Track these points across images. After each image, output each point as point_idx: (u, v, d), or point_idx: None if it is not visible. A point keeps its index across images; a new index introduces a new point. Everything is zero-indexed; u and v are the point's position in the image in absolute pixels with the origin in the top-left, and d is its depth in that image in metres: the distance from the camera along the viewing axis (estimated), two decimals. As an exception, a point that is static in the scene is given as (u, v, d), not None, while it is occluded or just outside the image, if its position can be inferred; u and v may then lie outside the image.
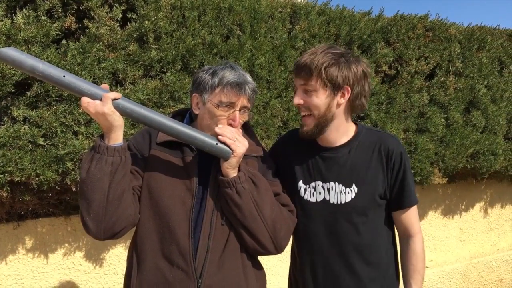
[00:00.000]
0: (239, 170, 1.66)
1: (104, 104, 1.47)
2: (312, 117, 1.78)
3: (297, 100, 1.77)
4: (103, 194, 1.52)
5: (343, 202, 1.82)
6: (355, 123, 1.92)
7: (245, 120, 1.75)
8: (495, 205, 5.16)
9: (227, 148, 1.61)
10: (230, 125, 1.68)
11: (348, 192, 1.82)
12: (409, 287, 1.87)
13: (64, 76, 1.45)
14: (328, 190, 1.84)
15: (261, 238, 1.69)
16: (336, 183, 1.83)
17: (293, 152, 1.94)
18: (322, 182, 1.85)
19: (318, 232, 1.86)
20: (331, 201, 1.83)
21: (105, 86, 1.55)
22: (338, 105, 1.78)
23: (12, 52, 1.41)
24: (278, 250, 1.75)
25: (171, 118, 1.64)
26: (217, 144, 1.61)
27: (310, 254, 1.90)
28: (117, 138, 1.54)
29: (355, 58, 1.79)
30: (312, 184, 1.87)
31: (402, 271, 1.92)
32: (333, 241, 1.84)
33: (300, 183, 1.89)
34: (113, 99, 1.50)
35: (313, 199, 1.86)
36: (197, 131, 1.64)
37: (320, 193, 1.85)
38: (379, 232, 1.87)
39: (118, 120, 1.51)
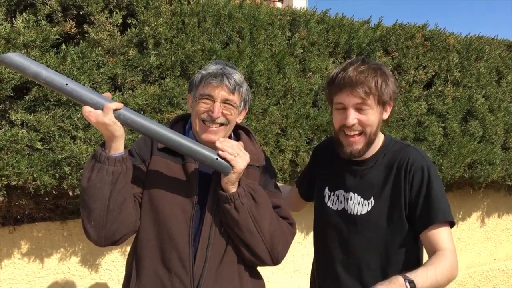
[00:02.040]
0: (239, 185, 1.64)
1: (105, 115, 1.47)
2: (363, 135, 1.72)
3: (353, 120, 1.68)
4: (104, 203, 1.52)
5: (359, 213, 1.79)
6: (384, 134, 1.89)
7: (230, 114, 1.71)
8: (492, 214, 5.16)
9: (227, 164, 1.59)
10: (210, 116, 1.66)
11: (365, 205, 1.79)
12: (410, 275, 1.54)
13: (66, 84, 1.45)
14: (347, 200, 1.83)
15: (258, 251, 1.68)
16: (356, 194, 1.81)
17: (327, 159, 1.94)
18: (344, 192, 1.85)
19: (334, 240, 1.85)
20: (349, 211, 1.82)
21: (108, 95, 1.54)
22: (381, 121, 1.76)
23: (16, 58, 1.41)
24: (275, 262, 1.74)
25: (172, 130, 1.63)
26: (217, 159, 1.59)
27: (326, 261, 1.90)
28: (118, 148, 1.53)
29: (387, 68, 1.74)
30: (336, 192, 1.87)
31: None
32: (346, 252, 1.82)
33: (326, 190, 1.90)
34: (115, 109, 1.49)
35: (334, 207, 1.86)
36: (198, 144, 1.62)
37: (341, 202, 1.85)
38: (393, 254, 1.76)
39: (119, 130, 1.51)
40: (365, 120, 1.70)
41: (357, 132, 1.72)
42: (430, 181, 1.69)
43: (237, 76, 1.73)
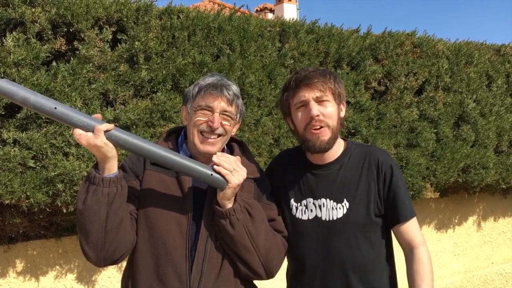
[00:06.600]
0: (235, 200, 1.63)
1: (97, 137, 1.46)
2: (326, 128, 1.78)
3: (316, 111, 1.76)
4: (101, 224, 1.51)
5: (335, 218, 1.80)
6: (344, 139, 1.93)
7: (229, 125, 1.71)
8: (488, 218, 5.17)
9: (222, 179, 1.58)
10: (210, 127, 1.66)
11: (340, 208, 1.80)
12: None
13: (55, 108, 1.45)
14: (320, 206, 1.82)
15: (253, 266, 1.67)
16: (327, 199, 1.82)
17: (286, 172, 1.94)
18: (313, 199, 1.84)
19: (311, 250, 1.84)
20: (323, 218, 1.81)
21: (98, 116, 1.54)
22: (340, 118, 1.83)
23: (3, 84, 1.41)
24: (269, 276, 1.73)
25: (165, 148, 1.62)
26: (212, 174, 1.59)
27: (305, 274, 1.86)
28: (111, 168, 1.52)
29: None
30: (304, 201, 1.86)
31: (409, 285, 1.81)
32: (327, 259, 1.81)
33: (292, 202, 1.88)
34: (106, 131, 1.48)
35: (304, 217, 1.84)
36: (192, 161, 1.61)
37: (311, 210, 1.84)
38: (375, 251, 1.82)
39: (111, 152, 1.50)
40: (327, 112, 1.78)
41: (320, 126, 1.78)
42: (398, 180, 1.82)
43: (235, 87, 1.74)
